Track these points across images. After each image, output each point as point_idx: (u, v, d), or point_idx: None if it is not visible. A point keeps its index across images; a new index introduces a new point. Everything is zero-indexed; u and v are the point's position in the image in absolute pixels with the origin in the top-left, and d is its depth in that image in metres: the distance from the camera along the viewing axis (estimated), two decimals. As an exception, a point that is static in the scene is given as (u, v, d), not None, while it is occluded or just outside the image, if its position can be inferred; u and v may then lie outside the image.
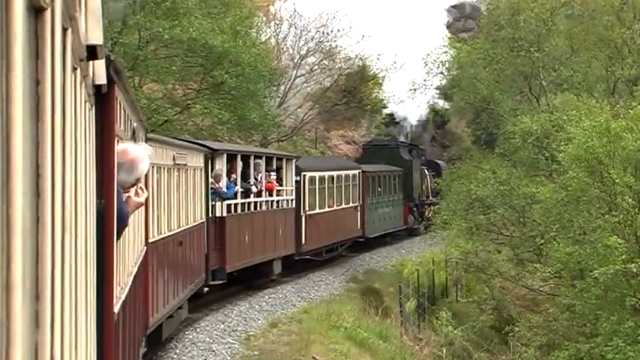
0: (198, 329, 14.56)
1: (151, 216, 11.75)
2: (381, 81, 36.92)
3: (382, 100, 38.41)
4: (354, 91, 34.79)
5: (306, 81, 34.63)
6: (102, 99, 5.38)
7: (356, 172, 27.33)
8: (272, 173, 19.82)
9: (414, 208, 33.35)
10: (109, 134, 5.43)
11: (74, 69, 3.11)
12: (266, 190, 19.45)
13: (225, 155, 17.54)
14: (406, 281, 24.16)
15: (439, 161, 36.81)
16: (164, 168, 12.87)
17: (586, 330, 19.12)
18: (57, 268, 2.35)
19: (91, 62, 4.02)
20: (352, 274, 24.27)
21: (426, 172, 34.53)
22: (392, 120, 37.91)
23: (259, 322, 16.10)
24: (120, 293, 6.28)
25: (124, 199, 5.55)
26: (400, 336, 19.44)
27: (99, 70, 4.71)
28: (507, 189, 23.14)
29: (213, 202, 16.71)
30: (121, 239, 6.55)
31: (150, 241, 11.58)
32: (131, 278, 7.69)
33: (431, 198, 33.90)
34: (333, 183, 25.09)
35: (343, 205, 25.84)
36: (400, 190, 31.49)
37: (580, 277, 19.55)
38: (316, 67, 33.65)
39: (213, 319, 15.33)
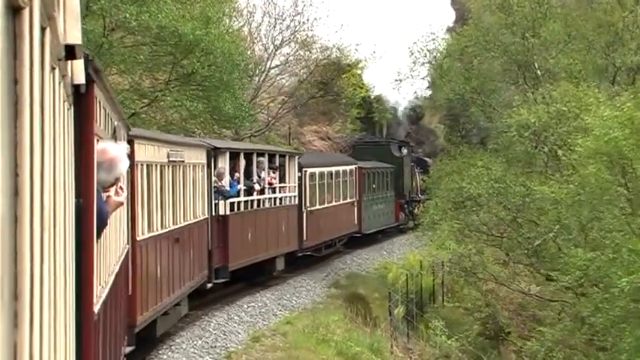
0: (173, 347, 14.49)
1: (139, 214, 12.78)
2: (359, 71, 38.06)
3: (362, 91, 39.63)
4: (331, 83, 35.82)
5: (280, 73, 35.30)
6: (81, 98, 5.99)
7: (353, 167, 29.79)
8: (273, 171, 21.97)
9: (405, 205, 36.11)
10: (87, 134, 6.05)
11: (53, 68, 3.33)
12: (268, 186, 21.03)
13: (227, 153, 19.11)
14: (391, 286, 24.85)
15: (426, 158, 39.49)
16: (155, 165, 13.80)
17: (606, 345, 19.05)
18: (36, 267, 2.48)
19: (69, 62, 4.33)
20: (333, 279, 24.81)
21: (416, 169, 37.31)
22: (367, 115, 39.85)
23: (240, 335, 16.31)
24: (100, 292, 6.93)
25: (103, 199, 6.06)
26: (390, 347, 19.95)
27: (77, 69, 5.13)
28: (503, 187, 23.37)
29: (216, 201, 18.04)
30: (102, 238, 7.19)
31: (138, 239, 12.65)
32: (112, 277, 8.31)
33: (419, 195, 36.50)
34: (332, 179, 27.36)
35: (341, 201, 28.19)
36: (392, 187, 34.21)
37: (595, 284, 19.67)
38: (291, 57, 34.40)
39: (189, 334, 15.35)
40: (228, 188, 18.81)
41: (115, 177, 6.27)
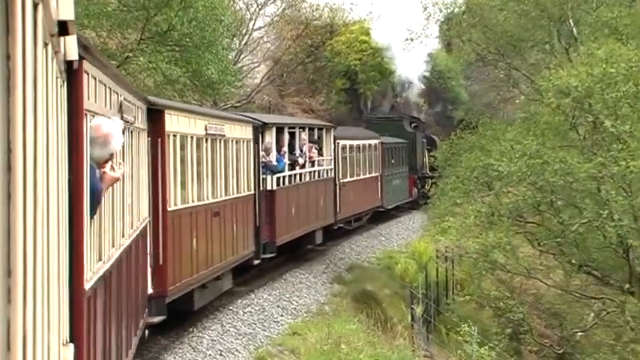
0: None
1: (171, 185, 15.58)
2: (363, 36, 41.30)
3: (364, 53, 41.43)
4: (321, 47, 37.62)
5: (264, 35, 36.45)
6: (71, 75, 7.56)
7: (377, 141, 36.02)
8: (314, 145, 26.44)
9: (418, 181, 43.03)
10: (77, 110, 7.60)
11: (45, 44, 3.77)
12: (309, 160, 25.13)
13: (274, 128, 23.24)
14: (400, 279, 26.19)
15: (434, 136, 45.97)
16: (190, 137, 16.62)
17: None
18: (29, 244, 2.82)
19: (62, 38, 5.04)
20: (335, 272, 25.93)
21: (426, 145, 43.76)
22: (351, 86, 44.57)
23: (239, 355, 16.42)
24: (99, 268, 8.49)
25: (97, 176, 7.59)
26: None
27: (70, 45, 6.02)
28: (539, 163, 23.59)
29: (264, 176, 22.03)
30: (108, 212, 8.63)
31: (169, 209, 15.36)
32: (119, 251, 9.88)
33: (429, 172, 42.98)
34: (360, 152, 33.19)
35: (367, 175, 34.11)
36: (406, 162, 41.17)
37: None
38: (277, 17, 35.92)
39: (178, 358, 15.05)
40: (275, 163, 22.85)
41: (110, 153, 7.67)
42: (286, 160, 23.13)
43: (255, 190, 21.62)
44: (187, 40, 23.02)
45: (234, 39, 32.62)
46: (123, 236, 10.37)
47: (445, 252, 29.82)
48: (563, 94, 24.25)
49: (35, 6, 3.17)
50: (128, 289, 11.15)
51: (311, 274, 24.86)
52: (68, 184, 6.95)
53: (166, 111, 15.40)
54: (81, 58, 7.29)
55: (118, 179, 8.25)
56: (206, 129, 17.81)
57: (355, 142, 32.50)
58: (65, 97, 6.43)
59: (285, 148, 23.61)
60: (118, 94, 9.75)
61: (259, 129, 21.80)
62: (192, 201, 16.91)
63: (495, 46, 29.67)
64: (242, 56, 34.13)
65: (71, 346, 6.51)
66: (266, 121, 22.66)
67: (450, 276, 29.31)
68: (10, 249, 2.59)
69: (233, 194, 19.80)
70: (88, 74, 7.61)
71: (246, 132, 21.24)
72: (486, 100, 56.98)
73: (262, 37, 35.66)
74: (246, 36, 34.13)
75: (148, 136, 14.50)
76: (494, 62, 31.35)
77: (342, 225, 30.42)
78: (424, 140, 44.25)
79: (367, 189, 33.84)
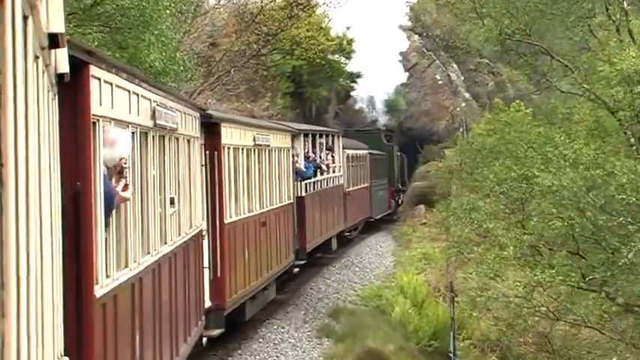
0: None
1: (227, 197, 17.98)
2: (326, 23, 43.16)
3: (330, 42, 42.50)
4: (279, 34, 37.67)
5: (205, 12, 35.01)
6: (75, 82, 8.11)
7: (367, 152, 41.06)
8: (330, 152, 30.50)
9: (395, 194, 49.12)
10: (83, 117, 8.19)
11: (36, 57, 4.16)
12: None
13: (302, 135, 27.02)
14: (400, 327, 25.20)
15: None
16: (242, 149, 19.27)
17: None
18: (22, 257, 3.12)
19: (53, 50, 5.48)
20: (318, 320, 24.67)
21: (402, 157, 51.32)
22: (297, 89, 47.30)
23: None
24: (122, 275, 9.08)
25: (108, 181, 8.60)
26: None
27: (61, 58, 6.71)
28: (600, 175, 20.58)
29: (295, 182, 25.02)
30: (136, 219, 10.37)
31: (225, 222, 17.91)
32: (154, 259, 11.58)
33: (401, 186, 50.21)
34: (357, 162, 37.96)
35: (361, 185, 38.55)
36: (386, 174, 46.36)
37: None
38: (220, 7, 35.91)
39: None
40: (304, 169, 25.97)
41: (119, 155, 9.05)
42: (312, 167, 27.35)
43: (293, 197, 24.81)
44: (121, 17, 20.06)
45: (185, 20, 30.55)
46: (165, 243, 11.14)
47: (438, 285, 30.21)
48: (629, 81, 21.34)
49: (25, 19, 3.36)
50: (173, 299, 11.86)
51: (291, 326, 23.37)
52: (69, 193, 8.12)
53: (222, 124, 17.75)
54: (86, 63, 7.87)
55: (128, 199, 9.65)
56: (254, 140, 20.39)
57: (355, 152, 37.55)
58: (57, 109, 7.11)
59: (314, 155, 27.81)
60: (150, 100, 10.37)
61: (295, 137, 25.43)
62: (244, 212, 19.44)
63: (521, 23, 26.28)
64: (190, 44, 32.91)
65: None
66: (297, 129, 26.82)
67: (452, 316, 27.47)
68: (4, 263, 2.78)
69: (277, 203, 22.62)
70: (99, 80, 8.19)
71: (285, 140, 24.23)
72: (425, 108, 58.18)
73: (203, 19, 34.68)
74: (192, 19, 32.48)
75: (205, 148, 16.95)
76: (518, 44, 27.63)
77: (348, 234, 35.44)
78: (399, 153, 50.93)
79: (362, 199, 38.67)
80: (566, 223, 20.51)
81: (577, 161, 21.14)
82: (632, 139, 22.75)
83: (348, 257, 35.65)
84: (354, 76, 54.67)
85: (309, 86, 47.81)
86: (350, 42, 50.65)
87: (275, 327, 22.76)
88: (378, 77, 56.85)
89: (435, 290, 31.47)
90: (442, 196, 46.95)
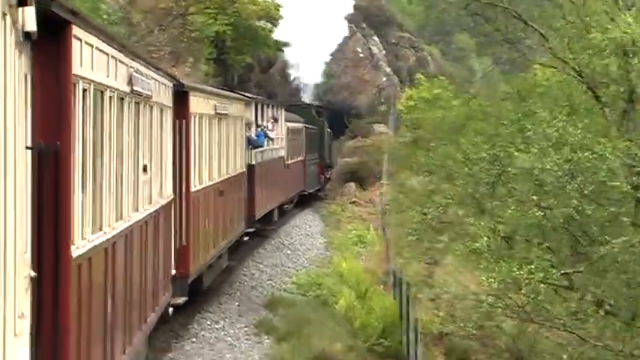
0: None
1: (194, 166, 18.28)
2: None
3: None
4: None
5: None
6: (57, 39, 8.14)
7: (302, 126, 42.51)
8: (276, 123, 31.12)
9: (324, 169, 49.80)
10: (64, 77, 8.22)
11: (3, 15, 4.29)
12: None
13: (253, 103, 27.73)
14: (345, 321, 23.28)
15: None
16: (205, 117, 19.60)
17: None
18: None
19: (20, 9, 5.65)
20: (254, 312, 22.80)
21: (330, 133, 52.77)
22: (219, 56, 47.48)
23: None
24: (97, 237, 9.16)
25: None
26: None
27: (28, 16, 6.62)
28: (588, 157, 18.58)
29: (247, 151, 26.09)
30: (112, 184, 10.71)
31: (192, 190, 18.22)
32: (127, 224, 11.78)
33: (329, 161, 52.30)
34: (295, 135, 39.12)
35: (298, 158, 39.97)
36: (317, 149, 47.52)
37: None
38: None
39: None
40: (255, 138, 26.66)
41: None
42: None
43: (245, 166, 25.56)
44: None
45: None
46: (136, 210, 11.30)
47: (377, 271, 29.05)
48: (622, 54, 19.75)
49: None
50: (143, 264, 12.02)
51: (226, 321, 21.54)
52: (48, 150, 8.13)
53: (191, 92, 18.16)
54: (69, 22, 7.92)
55: None
56: (215, 108, 20.73)
57: (294, 125, 39.04)
58: (23, 67, 7.05)
59: (265, 124, 28.60)
60: (127, 66, 10.44)
61: (248, 105, 26.05)
62: (207, 181, 19.86)
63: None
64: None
65: (27, 319, 7.53)
66: (250, 97, 27.96)
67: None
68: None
69: (232, 172, 23.15)
70: (80, 40, 8.24)
71: (240, 109, 24.63)
72: (345, 81, 58.39)
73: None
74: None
75: (174, 117, 17.09)
76: (484, 6, 25.31)
77: (286, 206, 37.19)
78: (329, 130, 52.29)
79: (299, 172, 40.33)
80: (547, 213, 18.37)
81: (559, 141, 19.06)
82: (611, 117, 21.01)
83: (280, 239, 34.53)
84: (280, 45, 53.72)
85: (232, 53, 46.69)
86: (277, 7, 49.17)
87: (209, 322, 20.95)
88: (306, 47, 57.19)
89: (375, 277, 29.33)
90: (375, 175, 47.44)
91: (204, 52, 42.04)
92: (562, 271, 18.39)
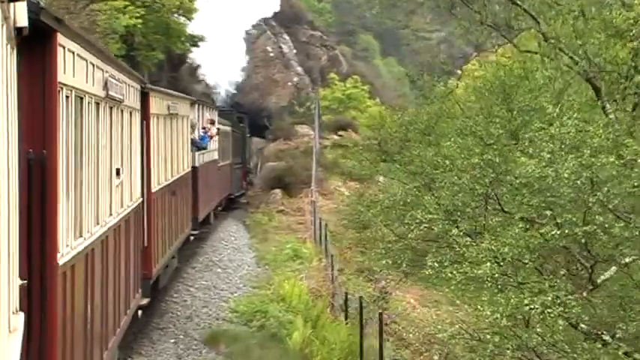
0: None
1: (154, 166, 18.29)
2: None
3: None
4: None
5: None
6: (42, 49, 8.14)
7: (230, 129, 43.31)
8: (211, 123, 31.28)
9: (247, 174, 52.15)
10: (50, 85, 8.25)
11: None
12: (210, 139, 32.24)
13: (197, 104, 28.35)
14: (302, 358, 20.52)
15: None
16: (160, 117, 18.96)
17: None
18: None
19: (12, 4, 5.64)
20: (195, 352, 20.28)
21: (250, 138, 56.99)
22: (129, 52, 45.70)
23: None
24: (79, 244, 9.16)
25: None
26: None
27: (20, 11, 6.83)
28: (617, 164, 15.52)
29: (191, 152, 26.57)
30: (92, 189, 9.66)
31: (153, 190, 18.29)
32: (104, 228, 12.14)
33: (250, 166, 56.52)
34: (224, 138, 39.36)
35: (227, 161, 40.36)
36: (240, 154, 49.01)
37: None
38: None
39: None
40: (199, 139, 27.00)
41: None
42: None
43: (190, 167, 25.79)
44: None
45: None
46: (110, 215, 11.31)
47: (322, 292, 25.79)
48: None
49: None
50: (117, 269, 12.06)
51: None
52: (36, 158, 8.08)
53: (151, 93, 18.18)
54: (54, 30, 7.94)
55: None
56: (169, 108, 20.81)
57: (224, 128, 40.18)
58: (15, 63, 7.16)
59: (210, 125, 29.33)
60: (102, 71, 10.44)
61: (194, 105, 26.36)
62: (162, 181, 19.83)
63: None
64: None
65: (21, 314, 7.67)
66: (195, 98, 28.91)
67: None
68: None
69: (182, 171, 23.37)
70: (64, 48, 8.26)
71: (186, 109, 24.87)
72: (255, 82, 58.27)
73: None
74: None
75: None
76: None
77: (219, 208, 38.62)
78: (249, 135, 55.45)
79: (227, 175, 41.34)
80: (567, 232, 14.42)
81: (573, 144, 15.49)
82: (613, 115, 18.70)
83: (207, 256, 31.32)
84: (195, 39, 50.47)
85: (143, 49, 43.18)
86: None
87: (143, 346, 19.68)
88: (216, 45, 55.57)
89: (321, 299, 25.48)
90: (303, 182, 44.61)
91: (112, 49, 37.95)
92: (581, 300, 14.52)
